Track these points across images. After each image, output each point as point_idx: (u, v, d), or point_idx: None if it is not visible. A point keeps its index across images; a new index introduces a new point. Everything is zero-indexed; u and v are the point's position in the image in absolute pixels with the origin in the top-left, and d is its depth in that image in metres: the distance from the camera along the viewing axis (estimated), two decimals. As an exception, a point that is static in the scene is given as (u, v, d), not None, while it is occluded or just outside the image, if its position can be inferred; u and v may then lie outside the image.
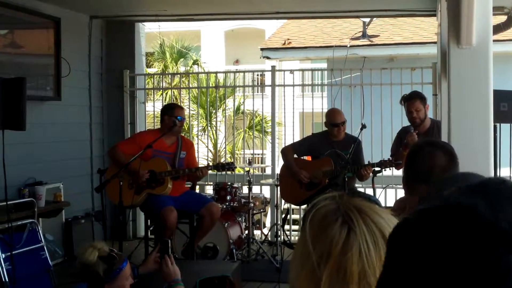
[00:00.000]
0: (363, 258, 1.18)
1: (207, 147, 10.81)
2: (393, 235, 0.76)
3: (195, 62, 19.99)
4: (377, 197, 5.29)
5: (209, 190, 8.68)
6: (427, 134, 6.41)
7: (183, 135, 7.34)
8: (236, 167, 7.04)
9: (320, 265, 1.21)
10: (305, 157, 7.29)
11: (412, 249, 0.70)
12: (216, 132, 12.43)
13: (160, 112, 7.07)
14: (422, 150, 2.65)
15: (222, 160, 14.03)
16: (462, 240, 0.66)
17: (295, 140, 8.02)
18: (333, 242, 1.20)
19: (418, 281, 0.68)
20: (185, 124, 7.59)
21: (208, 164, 8.25)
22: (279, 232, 7.70)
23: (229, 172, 8.38)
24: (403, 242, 0.72)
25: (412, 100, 6.41)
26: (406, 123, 6.65)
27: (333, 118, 6.90)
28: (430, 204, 0.74)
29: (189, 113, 10.58)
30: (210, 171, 7.29)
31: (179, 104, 7.09)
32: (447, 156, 2.59)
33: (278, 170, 7.77)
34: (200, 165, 7.17)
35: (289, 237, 8.40)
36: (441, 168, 2.56)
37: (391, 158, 6.51)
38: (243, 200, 7.49)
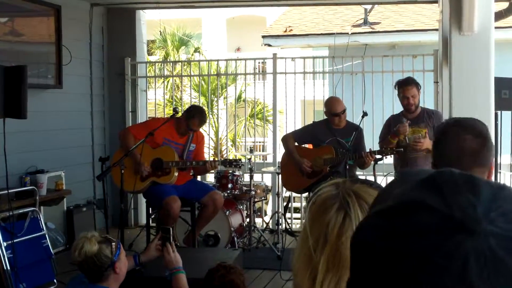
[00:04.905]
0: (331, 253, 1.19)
1: (208, 135, 10.81)
2: (352, 241, 0.76)
3: (197, 50, 19.95)
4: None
5: (211, 178, 8.69)
6: (418, 120, 6.42)
7: None
8: (243, 165, 7.03)
9: (316, 250, 1.21)
10: (306, 145, 7.28)
11: (371, 252, 0.70)
12: (217, 120, 12.41)
13: (186, 108, 7.03)
14: (452, 134, 2.42)
15: (223, 148, 14.05)
16: (418, 234, 0.67)
17: (296, 128, 8.01)
18: (329, 227, 1.21)
19: (380, 282, 0.69)
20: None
21: (214, 159, 8.22)
22: (280, 220, 7.70)
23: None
24: (362, 246, 0.73)
25: (409, 86, 6.36)
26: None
27: (333, 107, 6.87)
28: (383, 205, 0.74)
29: (191, 101, 10.58)
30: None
31: (199, 111, 6.95)
32: (478, 139, 2.35)
33: (279, 158, 7.76)
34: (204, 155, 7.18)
35: (290, 225, 8.41)
36: (471, 152, 2.34)
37: (379, 145, 6.55)
38: (244, 188, 7.49)
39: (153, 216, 7.46)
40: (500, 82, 6.22)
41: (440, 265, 0.65)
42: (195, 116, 6.68)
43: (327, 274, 1.20)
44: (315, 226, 1.22)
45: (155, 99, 9.66)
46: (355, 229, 0.77)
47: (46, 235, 6.28)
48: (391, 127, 6.56)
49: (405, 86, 6.39)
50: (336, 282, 1.20)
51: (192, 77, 12.03)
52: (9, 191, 5.65)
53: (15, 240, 5.63)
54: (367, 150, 6.64)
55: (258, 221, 8.52)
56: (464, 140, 2.34)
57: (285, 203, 8.44)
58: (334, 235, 1.20)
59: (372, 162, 6.45)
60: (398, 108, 7.36)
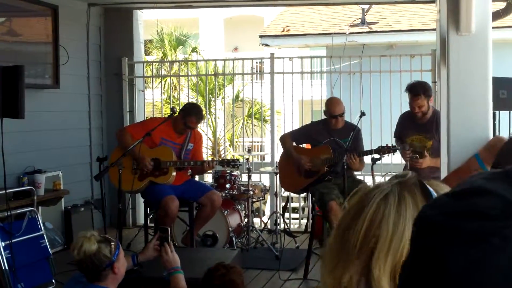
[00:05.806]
0: (364, 229, 1.15)
1: (206, 135, 10.82)
2: (418, 214, 0.81)
3: (194, 50, 19.95)
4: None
5: (209, 178, 8.69)
6: (427, 126, 6.36)
7: None
8: (241, 165, 7.02)
9: (349, 241, 1.16)
10: (304, 145, 7.27)
11: (431, 225, 0.75)
12: (215, 120, 12.41)
13: (182, 106, 7.03)
14: None
15: (221, 148, 14.04)
16: (480, 215, 0.70)
17: (294, 128, 8.01)
18: (360, 220, 1.15)
19: (434, 254, 0.72)
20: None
21: (212, 159, 8.22)
22: (278, 220, 7.70)
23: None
24: (424, 219, 0.77)
25: (416, 96, 6.25)
26: (406, 110, 6.65)
27: (332, 109, 6.81)
28: (453, 188, 0.80)
29: (188, 101, 10.59)
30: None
31: (196, 108, 6.95)
32: None
33: (277, 158, 7.76)
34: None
35: (288, 225, 8.41)
36: None
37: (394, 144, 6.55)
38: (242, 188, 7.49)
39: (151, 216, 7.46)
40: (498, 82, 6.22)
41: (496, 245, 0.68)
42: (192, 113, 6.67)
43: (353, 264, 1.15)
44: (352, 216, 1.18)
45: (153, 99, 9.65)
46: (423, 205, 0.81)
47: (44, 235, 6.27)
48: (401, 126, 6.60)
49: (413, 96, 6.30)
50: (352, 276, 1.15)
51: (189, 77, 12.02)
52: (7, 191, 5.65)
53: (13, 240, 5.63)
54: (365, 150, 6.65)
55: (256, 221, 8.53)
56: None
57: (283, 203, 8.44)
58: (362, 230, 1.15)
59: (371, 162, 6.41)
60: (396, 108, 7.38)
